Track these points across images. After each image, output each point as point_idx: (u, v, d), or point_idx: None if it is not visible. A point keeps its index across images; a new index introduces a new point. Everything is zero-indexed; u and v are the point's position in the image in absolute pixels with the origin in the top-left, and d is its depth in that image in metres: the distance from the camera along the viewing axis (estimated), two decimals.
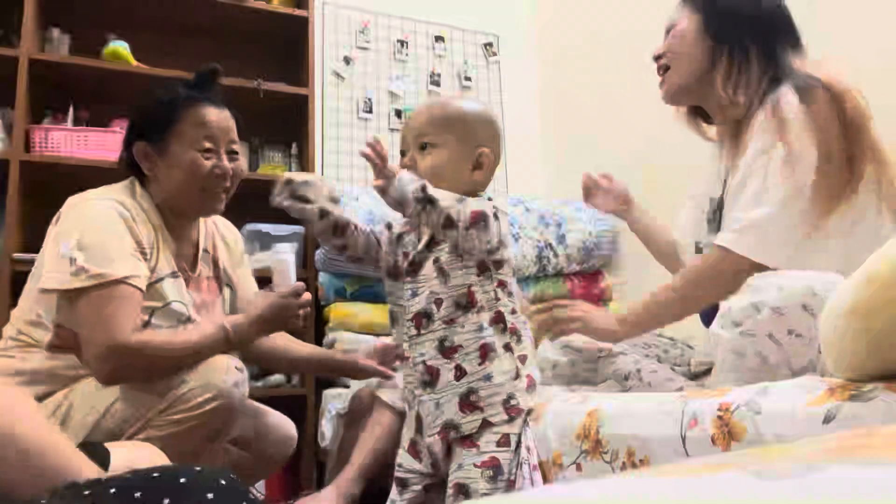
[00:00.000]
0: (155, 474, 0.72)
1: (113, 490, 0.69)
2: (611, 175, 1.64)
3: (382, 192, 1.08)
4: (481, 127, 1.18)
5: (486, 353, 1.05)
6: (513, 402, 1.05)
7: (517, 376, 1.06)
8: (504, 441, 1.04)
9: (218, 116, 1.40)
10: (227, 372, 1.27)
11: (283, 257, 1.41)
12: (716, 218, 1.35)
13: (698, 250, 1.44)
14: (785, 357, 0.94)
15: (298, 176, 1.19)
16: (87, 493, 0.71)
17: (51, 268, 1.25)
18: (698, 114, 1.47)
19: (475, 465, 1.03)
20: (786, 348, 0.93)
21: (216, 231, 1.55)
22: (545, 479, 1.06)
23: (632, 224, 1.65)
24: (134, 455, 0.96)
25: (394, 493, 1.13)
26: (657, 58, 1.40)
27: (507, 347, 1.07)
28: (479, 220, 1.04)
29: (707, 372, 1.30)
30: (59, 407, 1.26)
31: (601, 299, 2.62)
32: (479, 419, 1.04)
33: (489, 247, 1.06)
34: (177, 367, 1.26)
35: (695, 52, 1.33)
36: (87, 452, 0.89)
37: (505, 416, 1.04)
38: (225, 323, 1.30)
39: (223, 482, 0.73)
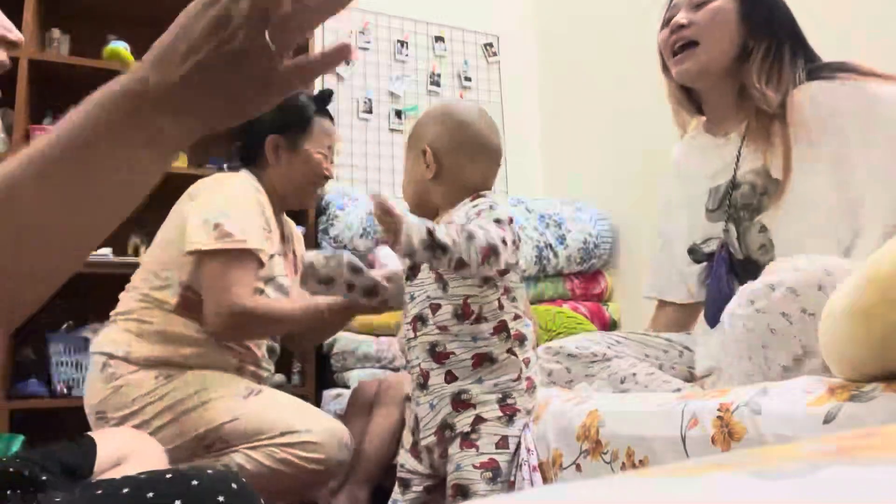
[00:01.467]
0: (168, 475, 0.72)
1: (126, 490, 0.70)
2: None
3: (393, 246, 1.02)
4: (429, 127, 1.18)
5: (479, 362, 1.05)
6: (509, 400, 1.05)
7: (518, 378, 1.06)
8: (503, 443, 1.03)
9: (334, 130, 1.68)
10: (344, 448, 1.39)
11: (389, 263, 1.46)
12: (722, 205, 1.34)
13: (693, 252, 1.43)
14: (795, 334, 0.95)
15: (318, 258, 1.22)
16: (99, 492, 0.71)
17: (195, 233, 1.40)
18: (688, 98, 1.45)
19: (474, 467, 1.02)
20: (797, 326, 0.94)
21: (291, 225, 1.74)
22: (545, 480, 1.06)
23: None
24: (125, 448, 0.96)
25: (396, 492, 1.14)
26: (680, 27, 1.32)
27: (511, 352, 1.07)
28: (489, 255, 0.99)
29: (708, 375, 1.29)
30: (190, 396, 1.37)
31: (601, 300, 2.63)
32: (472, 415, 1.04)
33: (502, 269, 1.06)
34: (282, 330, 1.51)
35: (730, 35, 1.29)
36: (74, 443, 0.90)
37: (499, 413, 1.04)
38: (324, 301, 1.41)
39: (234, 486, 0.74)
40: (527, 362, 1.08)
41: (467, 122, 1.16)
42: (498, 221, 1.05)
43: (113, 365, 1.41)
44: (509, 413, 1.04)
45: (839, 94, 1.22)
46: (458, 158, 1.15)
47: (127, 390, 1.38)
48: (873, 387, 0.70)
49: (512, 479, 1.03)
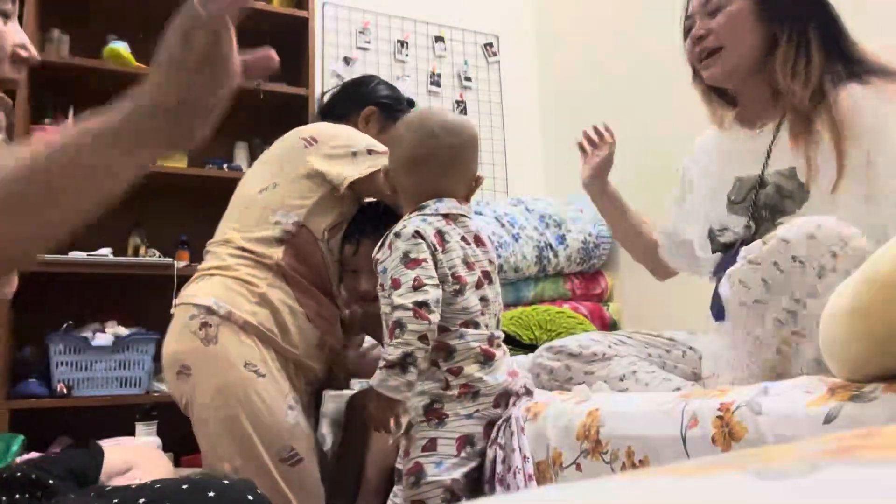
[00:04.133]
0: (184, 486, 0.72)
1: (143, 500, 0.69)
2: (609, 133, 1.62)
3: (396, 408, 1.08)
4: (392, 149, 1.24)
5: None
6: (436, 405, 1.08)
7: (447, 387, 1.08)
8: (430, 445, 1.06)
9: None
10: None
11: None
12: (747, 200, 1.31)
13: (713, 236, 1.39)
14: (788, 285, 0.95)
15: None
16: (115, 500, 0.71)
17: (339, 168, 1.42)
18: (722, 96, 1.43)
19: (404, 474, 1.07)
20: (789, 276, 0.95)
21: None
22: (545, 479, 1.06)
23: (600, 195, 1.61)
24: (133, 458, 0.96)
25: (396, 485, 1.18)
26: (700, 38, 1.33)
27: (434, 363, 1.09)
28: (394, 329, 1.04)
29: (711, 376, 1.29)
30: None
31: (601, 300, 2.63)
32: (406, 421, 1.10)
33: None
34: None
35: (752, 33, 1.29)
36: (82, 449, 0.89)
37: (422, 418, 1.08)
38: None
39: (250, 497, 0.73)
40: (455, 371, 1.09)
41: (402, 138, 1.20)
42: (406, 257, 1.08)
43: (212, 322, 1.34)
44: (436, 418, 1.08)
45: (878, 102, 1.18)
46: (401, 175, 1.20)
47: (225, 352, 1.32)
48: (873, 387, 0.70)
49: (451, 477, 1.05)
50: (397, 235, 1.09)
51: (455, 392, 1.08)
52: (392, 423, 1.05)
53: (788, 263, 0.95)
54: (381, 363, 1.03)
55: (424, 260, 1.07)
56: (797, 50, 1.24)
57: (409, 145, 1.18)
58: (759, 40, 1.29)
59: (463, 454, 1.07)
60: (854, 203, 1.17)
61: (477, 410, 1.09)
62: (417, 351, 1.02)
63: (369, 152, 1.43)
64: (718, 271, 1.34)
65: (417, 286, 1.04)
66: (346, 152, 1.44)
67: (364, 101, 1.66)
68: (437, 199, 1.16)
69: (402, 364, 1.02)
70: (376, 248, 1.15)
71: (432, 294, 1.05)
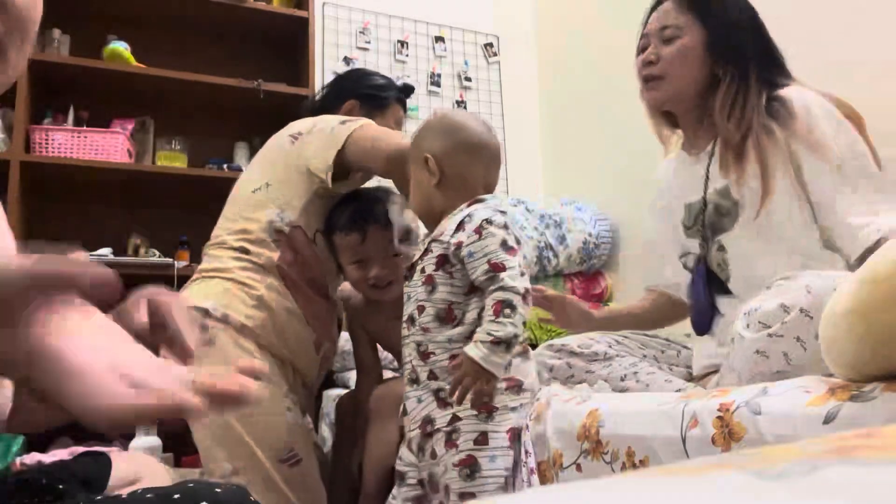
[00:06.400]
0: (176, 495, 0.71)
1: None
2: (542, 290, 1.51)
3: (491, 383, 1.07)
4: (427, 136, 1.21)
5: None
6: (484, 399, 1.07)
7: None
8: (482, 439, 1.06)
9: (403, 122, 1.73)
10: None
11: None
12: (697, 223, 1.35)
13: (685, 258, 1.42)
14: (810, 360, 0.93)
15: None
16: None
17: (319, 147, 1.41)
18: (665, 116, 1.46)
19: (454, 465, 1.06)
20: (811, 352, 0.93)
21: None
22: (545, 480, 1.06)
23: (597, 328, 1.50)
24: (139, 469, 0.96)
25: (395, 487, 1.17)
26: (649, 63, 1.35)
27: None
28: (504, 308, 1.03)
29: (708, 375, 1.29)
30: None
31: (601, 300, 2.63)
32: (450, 414, 1.08)
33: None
34: None
35: (696, 69, 1.31)
36: (90, 458, 0.89)
37: (472, 411, 1.07)
38: None
39: None
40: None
41: (462, 125, 1.20)
42: (505, 244, 1.07)
43: (209, 325, 1.33)
44: (486, 411, 1.07)
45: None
46: (458, 161, 1.17)
47: (222, 355, 1.32)
48: (873, 387, 0.70)
49: (506, 472, 1.05)
50: (489, 222, 1.09)
51: (503, 385, 1.08)
52: (488, 399, 1.05)
53: (813, 341, 0.92)
54: (487, 338, 1.02)
55: (518, 250, 1.09)
56: (736, 91, 1.28)
57: (474, 132, 1.19)
58: (702, 77, 1.32)
59: (515, 446, 1.07)
60: (787, 218, 1.21)
61: (521, 405, 1.10)
62: (520, 335, 1.04)
63: (342, 123, 1.41)
64: (689, 294, 1.38)
65: (522, 273, 1.06)
66: (330, 130, 1.43)
67: (346, 96, 1.64)
68: (491, 196, 1.18)
69: (509, 344, 1.03)
70: (450, 232, 1.12)
71: (528, 284, 1.07)
